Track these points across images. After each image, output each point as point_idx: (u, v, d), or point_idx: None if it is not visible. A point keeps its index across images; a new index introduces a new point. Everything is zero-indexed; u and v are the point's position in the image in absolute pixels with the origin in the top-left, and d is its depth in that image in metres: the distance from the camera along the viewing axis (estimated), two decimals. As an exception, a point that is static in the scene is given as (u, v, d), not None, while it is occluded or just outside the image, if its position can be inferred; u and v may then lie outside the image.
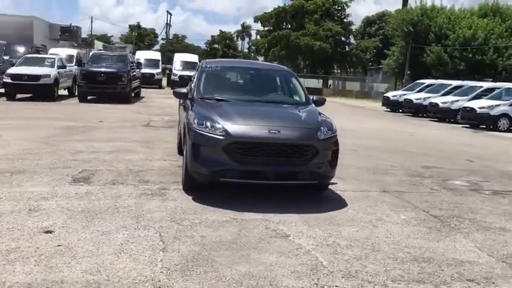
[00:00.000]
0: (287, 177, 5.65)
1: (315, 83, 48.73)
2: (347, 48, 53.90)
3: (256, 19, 55.63)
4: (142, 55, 37.06)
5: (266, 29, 55.74)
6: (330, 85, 50.10)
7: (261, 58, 55.87)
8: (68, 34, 41.66)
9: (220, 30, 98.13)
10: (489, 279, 3.94)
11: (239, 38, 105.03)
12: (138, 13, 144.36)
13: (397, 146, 11.72)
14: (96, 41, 61.04)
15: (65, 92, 21.48)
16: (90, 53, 28.65)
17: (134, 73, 21.13)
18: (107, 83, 19.02)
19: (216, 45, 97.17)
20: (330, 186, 6.77)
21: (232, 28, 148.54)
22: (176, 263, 3.83)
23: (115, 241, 4.24)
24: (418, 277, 3.90)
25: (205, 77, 6.99)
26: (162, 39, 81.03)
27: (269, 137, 5.51)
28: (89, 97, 19.34)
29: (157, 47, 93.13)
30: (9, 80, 18.49)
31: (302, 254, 4.21)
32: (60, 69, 20.02)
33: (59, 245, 4.08)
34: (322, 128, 5.86)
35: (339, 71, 58.46)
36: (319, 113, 6.45)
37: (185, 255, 4.00)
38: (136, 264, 3.77)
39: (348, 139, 12.12)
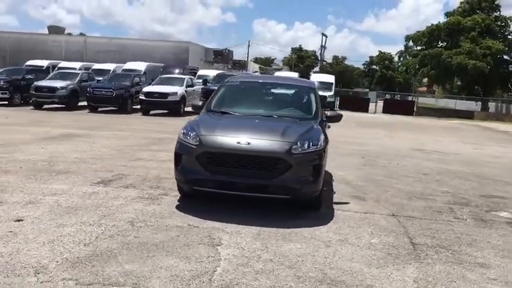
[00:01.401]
0: (258, 189, 5.65)
1: (470, 105, 45.07)
2: (510, 68, 48.78)
3: (408, 38, 53.51)
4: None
5: (419, 48, 53.25)
6: (489, 108, 45.75)
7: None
8: (221, 57, 45.08)
9: (380, 51, 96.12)
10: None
11: (401, 58, 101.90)
12: (307, 36, 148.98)
13: (487, 174, 10.48)
14: (252, 63, 64.73)
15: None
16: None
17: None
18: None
19: (374, 66, 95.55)
20: (337, 206, 6.59)
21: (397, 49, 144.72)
22: (78, 256, 4.22)
23: (58, 233, 4.79)
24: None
25: (222, 91, 7.32)
26: (321, 60, 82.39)
27: (237, 148, 5.61)
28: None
29: (316, 68, 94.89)
30: (143, 97, 20.91)
31: (207, 262, 4.27)
32: (188, 88, 21.92)
33: (11, 231, 4.77)
34: (301, 142, 5.75)
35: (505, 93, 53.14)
36: (319, 128, 6.32)
37: (95, 250, 4.37)
38: (44, 253, 4.25)
39: (435, 162, 11.34)
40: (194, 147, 5.74)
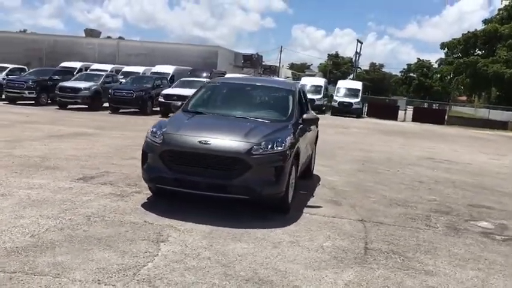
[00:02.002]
0: (218, 189, 5.67)
1: (507, 115, 43.62)
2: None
3: (444, 45, 52.44)
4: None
5: (455, 56, 52.14)
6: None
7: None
8: (250, 62, 45.31)
9: (418, 58, 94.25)
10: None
11: (440, 66, 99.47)
12: (346, 43, 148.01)
13: (489, 184, 10.15)
14: (284, 69, 64.74)
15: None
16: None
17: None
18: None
19: (411, 74, 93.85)
20: (309, 209, 6.56)
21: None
22: (18, 246, 4.36)
23: (12, 224, 4.95)
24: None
25: (201, 92, 7.41)
26: (355, 67, 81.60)
27: (198, 147, 5.66)
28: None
29: (351, 76, 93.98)
30: (162, 100, 21.26)
31: (142, 257, 4.33)
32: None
33: (-33, 220, 4.97)
34: (264, 143, 5.75)
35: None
36: (289, 130, 6.31)
37: (38, 242, 4.50)
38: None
39: (439, 171, 11.08)
40: (158, 145, 5.84)
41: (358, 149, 14.43)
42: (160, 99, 21.39)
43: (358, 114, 34.51)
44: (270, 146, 5.79)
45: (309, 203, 6.92)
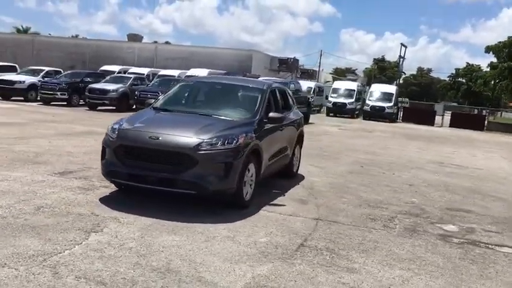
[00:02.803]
0: (167, 184, 5.81)
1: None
2: None
3: (488, 49, 50.46)
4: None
5: (501, 60, 50.08)
6: None
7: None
8: (285, 65, 45.31)
9: (467, 63, 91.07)
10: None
11: (483, 71, 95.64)
12: (395, 47, 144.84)
13: (487, 190, 9.78)
14: (323, 73, 64.32)
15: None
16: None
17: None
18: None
19: (460, 79, 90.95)
20: (270, 207, 6.59)
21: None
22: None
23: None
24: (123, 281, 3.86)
25: (173, 90, 7.61)
26: (402, 72, 79.79)
27: (147, 142, 5.84)
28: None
29: (399, 80, 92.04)
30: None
31: (63, 245, 4.52)
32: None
33: None
34: (215, 140, 5.85)
35: None
36: (247, 128, 6.39)
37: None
38: None
39: (440, 175, 10.81)
40: (113, 140, 6.05)
41: (367, 152, 14.22)
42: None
43: (391, 118, 33.86)
44: (220, 143, 5.88)
45: (274, 202, 6.94)
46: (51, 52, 44.19)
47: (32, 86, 24.67)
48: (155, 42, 62.07)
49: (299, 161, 9.22)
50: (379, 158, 13.09)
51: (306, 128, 20.83)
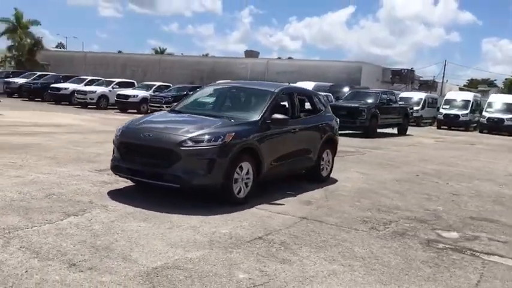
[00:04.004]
0: (157, 177, 6.30)
1: None
2: None
3: None
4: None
5: None
6: None
7: None
8: (399, 77, 43.90)
9: None
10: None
11: None
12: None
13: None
14: (448, 84, 60.90)
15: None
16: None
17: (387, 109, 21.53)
18: (347, 118, 20.24)
19: None
20: (264, 205, 6.74)
21: None
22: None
23: (-14, 193, 6.27)
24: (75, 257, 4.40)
25: (193, 95, 8.14)
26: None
27: (140, 139, 6.42)
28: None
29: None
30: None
31: (34, 224, 5.19)
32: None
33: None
34: (200, 137, 6.24)
35: None
36: (243, 128, 6.70)
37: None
38: None
39: (503, 187, 9.94)
40: (117, 137, 6.73)
41: (442, 163, 13.43)
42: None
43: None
44: (205, 140, 6.24)
45: (277, 201, 7.04)
46: (176, 70, 47.82)
47: (144, 100, 27.20)
48: (289, 58, 63.45)
49: (331, 166, 9.16)
50: (450, 169, 12.31)
51: (396, 139, 20.32)
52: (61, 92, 29.32)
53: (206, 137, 6.28)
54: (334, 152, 9.22)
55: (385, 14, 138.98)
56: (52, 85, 30.15)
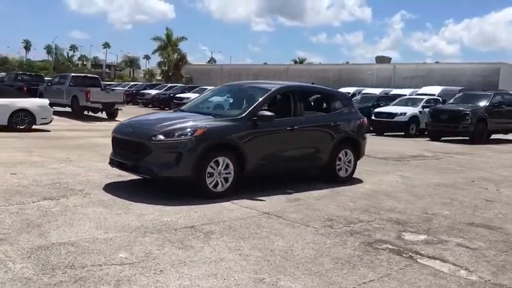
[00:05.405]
0: (135, 169, 6.81)
1: None
2: None
3: None
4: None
5: None
6: None
7: None
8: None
9: None
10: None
11: None
12: None
13: None
14: None
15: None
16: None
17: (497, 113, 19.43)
18: (449, 122, 18.77)
19: None
20: (243, 200, 6.81)
21: None
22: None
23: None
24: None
25: (202, 95, 8.47)
26: None
27: (122, 133, 6.98)
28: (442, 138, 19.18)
29: None
30: (373, 118, 21.45)
31: (19, 207, 6.00)
32: (425, 109, 21.16)
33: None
34: (171, 132, 6.59)
35: None
36: (224, 124, 6.98)
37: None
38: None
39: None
40: (112, 133, 7.39)
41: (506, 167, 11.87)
42: (373, 117, 21.58)
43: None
44: (176, 135, 6.58)
45: (261, 197, 6.94)
46: (302, 78, 48.54)
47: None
48: (437, 62, 60.51)
49: (353, 167, 8.77)
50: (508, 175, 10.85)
51: (507, 146, 18.07)
52: (183, 101, 31.64)
53: (177, 132, 6.60)
54: (356, 153, 8.80)
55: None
56: (177, 95, 32.77)
